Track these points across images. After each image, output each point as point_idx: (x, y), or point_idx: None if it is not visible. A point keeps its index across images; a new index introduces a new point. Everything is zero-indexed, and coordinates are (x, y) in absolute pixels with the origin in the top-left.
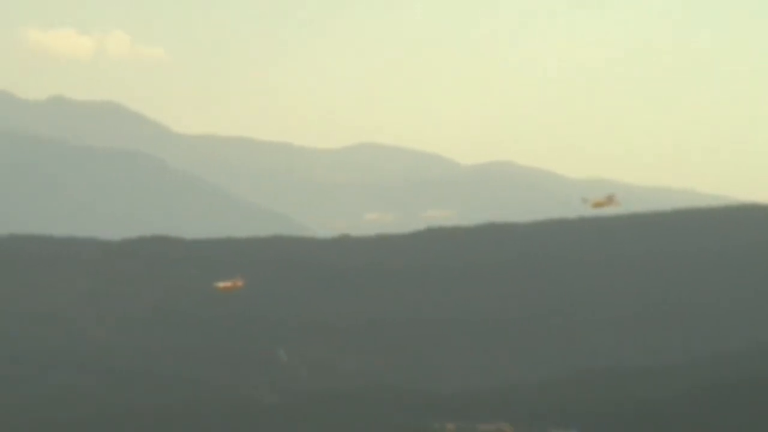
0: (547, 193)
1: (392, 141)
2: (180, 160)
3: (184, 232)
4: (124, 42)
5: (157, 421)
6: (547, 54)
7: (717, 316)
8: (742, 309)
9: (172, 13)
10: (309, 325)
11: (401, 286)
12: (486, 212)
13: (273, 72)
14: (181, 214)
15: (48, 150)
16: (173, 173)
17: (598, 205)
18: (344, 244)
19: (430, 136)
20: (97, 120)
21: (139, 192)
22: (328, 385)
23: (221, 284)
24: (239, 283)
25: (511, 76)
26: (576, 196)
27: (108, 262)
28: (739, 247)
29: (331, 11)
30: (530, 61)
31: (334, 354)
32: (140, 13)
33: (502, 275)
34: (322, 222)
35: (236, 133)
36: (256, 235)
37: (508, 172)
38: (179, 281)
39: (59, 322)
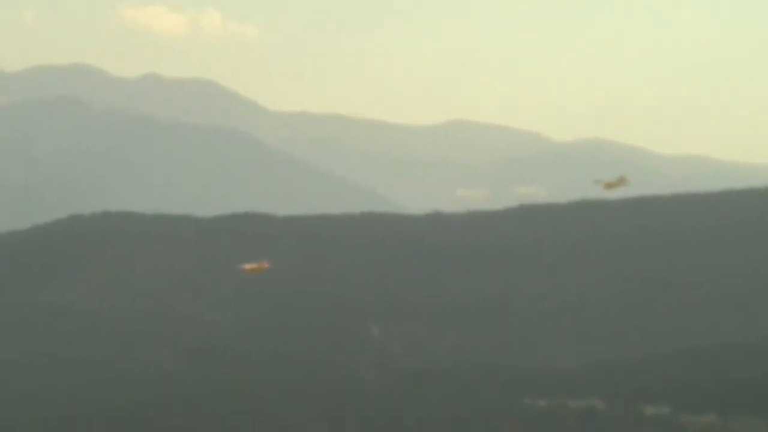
0: (639, 170)
1: (486, 118)
2: (274, 138)
3: (278, 210)
4: (216, 19)
5: (254, 398)
6: (644, 31)
7: None
8: None
9: None
10: (403, 302)
11: (493, 263)
12: (578, 189)
13: (366, 48)
14: (274, 191)
15: (141, 127)
16: (267, 151)
17: (609, 186)
18: (436, 221)
19: (525, 112)
20: (190, 97)
21: (233, 170)
22: (422, 362)
23: (247, 266)
24: (265, 264)
25: (606, 53)
26: (668, 173)
27: (201, 240)
28: None
29: None
30: (626, 38)
31: (428, 331)
32: None
33: (594, 252)
34: (414, 199)
35: (329, 110)
36: (349, 212)
37: (601, 149)
38: (273, 258)
39: (153, 299)
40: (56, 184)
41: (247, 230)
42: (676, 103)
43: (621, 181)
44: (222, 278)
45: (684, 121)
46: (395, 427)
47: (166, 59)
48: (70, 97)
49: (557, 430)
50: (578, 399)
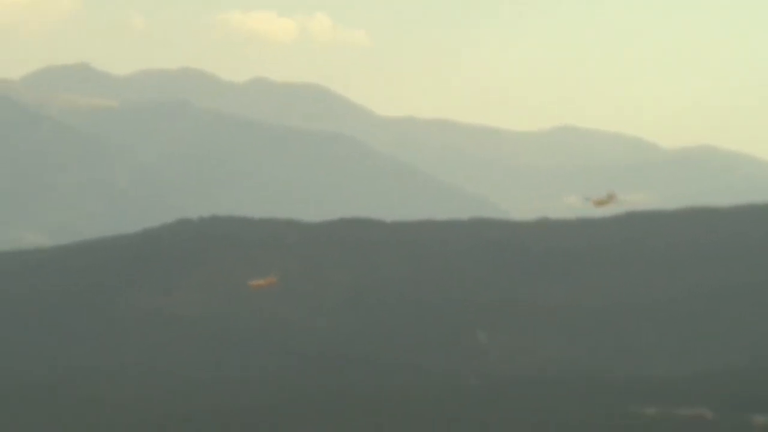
0: (747, 177)
1: (593, 124)
2: (381, 143)
3: (385, 215)
4: (325, 24)
5: (357, 402)
6: (752, 38)
7: None
8: None
9: None
10: (509, 308)
11: (600, 269)
12: (686, 196)
13: (474, 54)
14: (381, 196)
15: (249, 132)
16: (375, 156)
17: (599, 203)
18: (543, 227)
19: (632, 119)
20: (298, 102)
21: (341, 174)
22: (528, 369)
23: (254, 282)
24: (272, 279)
25: (714, 60)
26: None
27: (308, 244)
28: None
29: None
30: (734, 45)
31: (534, 337)
32: None
33: (703, 260)
34: (520, 205)
35: (437, 115)
36: (455, 218)
37: (709, 156)
38: (380, 263)
39: (259, 305)
40: (164, 188)
41: (354, 235)
42: None
43: (610, 198)
44: (328, 284)
45: None
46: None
47: (274, 64)
48: (179, 101)
49: None
50: (686, 407)
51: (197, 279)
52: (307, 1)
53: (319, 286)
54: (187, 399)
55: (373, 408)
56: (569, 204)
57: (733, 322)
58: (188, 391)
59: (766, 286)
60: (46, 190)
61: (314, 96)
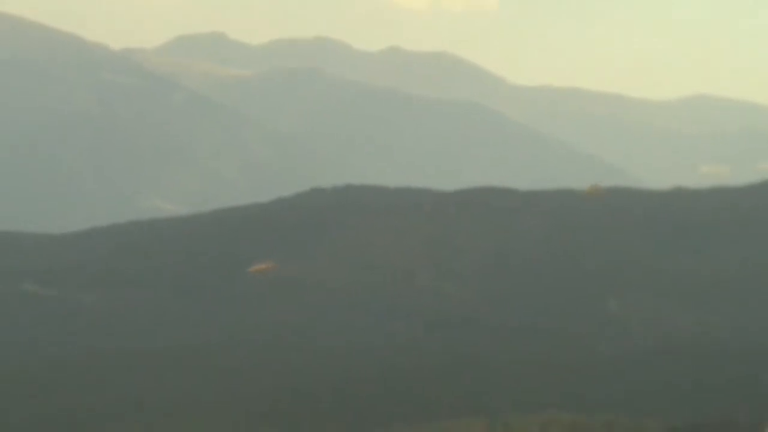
0: None
1: (729, 93)
2: (515, 112)
3: (519, 184)
4: None
5: (491, 369)
6: None
7: None
8: None
9: None
10: (642, 277)
11: (736, 239)
12: None
13: (607, 20)
14: (515, 165)
15: (383, 100)
16: (508, 124)
17: (590, 192)
18: (678, 196)
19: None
20: (431, 71)
21: (474, 143)
22: (660, 338)
23: (254, 267)
24: (272, 264)
25: None
26: None
27: (442, 213)
28: None
29: None
30: None
31: (667, 307)
32: None
33: None
34: (655, 173)
35: (570, 83)
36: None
37: None
38: (513, 232)
39: (393, 272)
40: (297, 157)
41: (488, 204)
42: None
43: (595, 190)
44: (462, 251)
45: None
46: (631, 402)
47: (407, 33)
48: (312, 70)
49: None
50: None
51: (332, 247)
52: None
53: (453, 253)
54: (323, 366)
55: (504, 373)
56: (704, 173)
57: None
58: (324, 357)
59: None
60: (181, 160)
61: (447, 64)
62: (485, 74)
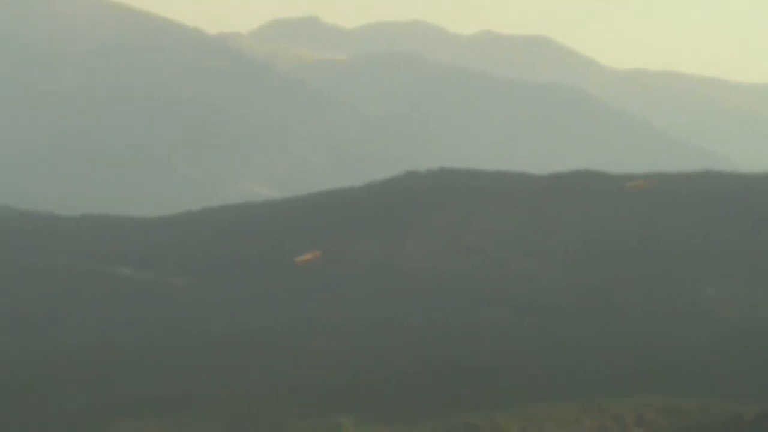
0: None
1: None
2: (609, 95)
3: (613, 167)
4: None
5: (582, 353)
6: None
7: None
8: None
9: None
10: (739, 263)
11: None
12: None
13: (704, 3)
14: (609, 149)
15: (477, 84)
16: (603, 108)
17: (631, 187)
18: None
19: None
20: (525, 54)
21: (568, 127)
22: (756, 325)
23: (300, 258)
24: (317, 253)
25: None
26: None
27: (536, 197)
28: None
29: None
30: None
31: (765, 293)
32: None
33: None
34: (752, 158)
35: (666, 67)
36: (686, 171)
37: None
38: (607, 217)
39: (487, 256)
40: (392, 141)
41: (582, 188)
42: None
43: (639, 185)
44: (556, 235)
45: None
46: (727, 388)
47: (502, 16)
48: (407, 54)
49: None
50: None
51: (426, 231)
52: None
53: (547, 237)
54: (415, 350)
55: (601, 359)
56: None
57: None
58: (415, 341)
59: None
60: (275, 144)
61: (541, 48)
62: (579, 57)
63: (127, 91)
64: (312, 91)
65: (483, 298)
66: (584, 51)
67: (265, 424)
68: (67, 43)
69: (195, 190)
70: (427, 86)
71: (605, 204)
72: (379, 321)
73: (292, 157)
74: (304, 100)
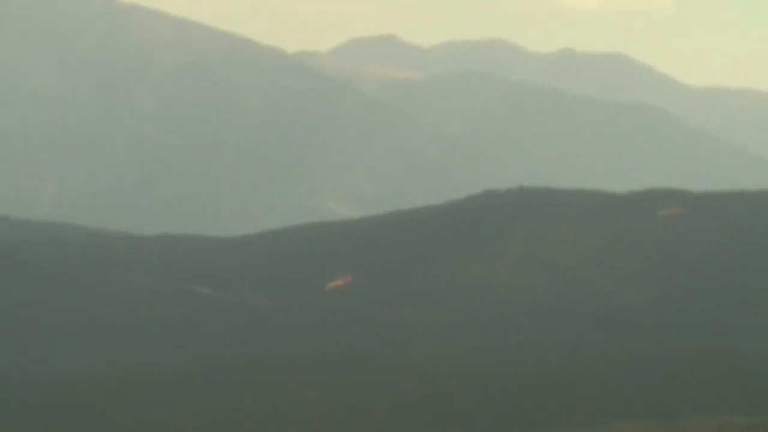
0: None
1: None
2: (688, 113)
3: (691, 185)
4: None
5: (663, 371)
6: None
7: None
8: None
9: None
10: None
11: None
12: None
13: None
14: (689, 167)
15: (555, 102)
16: (681, 126)
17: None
18: None
19: None
20: (603, 72)
21: (646, 145)
22: None
23: (332, 284)
24: (348, 278)
25: None
26: None
27: (613, 215)
28: None
29: None
30: None
31: None
32: None
33: None
34: None
35: (744, 84)
36: (765, 188)
37: None
38: (685, 233)
39: (566, 274)
40: (470, 159)
41: (660, 206)
42: None
43: (673, 212)
44: (634, 253)
45: None
46: None
47: (579, 34)
48: (485, 72)
49: None
50: None
51: (504, 249)
52: None
53: (625, 255)
54: (491, 367)
55: (679, 377)
56: None
57: None
58: (492, 359)
59: None
60: (353, 162)
61: (619, 65)
62: (657, 75)
63: (206, 110)
64: (390, 110)
65: (561, 314)
66: (662, 68)
67: None
68: (145, 63)
69: (274, 209)
70: (506, 104)
71: (683, 222)
72: (457, 338)
73: (371, 175)
74: (382, 119)
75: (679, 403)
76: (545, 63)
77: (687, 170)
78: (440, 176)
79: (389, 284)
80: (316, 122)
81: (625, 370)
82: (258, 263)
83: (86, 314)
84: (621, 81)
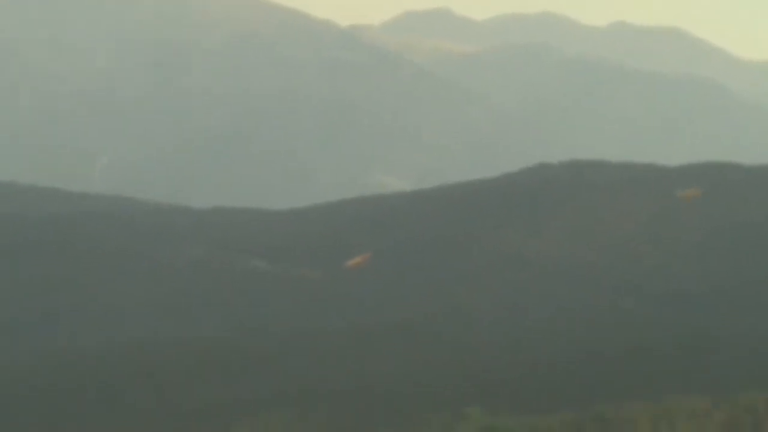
0: None
1: None
2: (743, 86)
3: (746, 159)
4: None
5: (719, 346)
6: None
7: None
8: None
9: None
10: None
11: None
12: None
13: None
14: (743, 140)
15: (610, 76)
16: (736, 100)
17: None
18: None
19: None
20: (658, 46)
21: (701, 119)
22: None
23: (351, 262)
24: (367, 255)
25: None
26: None
27: (668, 188)
28: None
29: None
30: None
31: None
32: None
33: None
34: None
35: None
36: None
37: None
38: (739, 208)
39: (618, 249)
40: (523, 133)
41: (714, 179)
42: None
43: (690, 194)
44: (688, 227)
45: None
46: None
47: (635, 7)
48: (539, 45)
49: None
50: None
51: (558, 222)
52: None
53: (678, 228)
54: (547, 342)
55: (734, 352)
56: None
57: None
58: (547, 334)
59: None
60: (407, 136)
61: (674, 39)
62: (713, 49)
63: (259, 85)
64: (444, 83)
65: (614, 289)
66: (718, 42)
67: (397, 415)
68: (201, 37)
69: (328, 183)
70: (559, 78)
71: (737, 195)
72: (510, 312)
73: (424, 148)
74: (436, 92)
75: (733, 377)
76: (598, 36)
77: (740, 144)
78: (494, 149)
79: (441, 258)
80: (370, 96)
81: (679, 344)
82: (313, 236)
83: (142, 287)
84: (675, 54)
